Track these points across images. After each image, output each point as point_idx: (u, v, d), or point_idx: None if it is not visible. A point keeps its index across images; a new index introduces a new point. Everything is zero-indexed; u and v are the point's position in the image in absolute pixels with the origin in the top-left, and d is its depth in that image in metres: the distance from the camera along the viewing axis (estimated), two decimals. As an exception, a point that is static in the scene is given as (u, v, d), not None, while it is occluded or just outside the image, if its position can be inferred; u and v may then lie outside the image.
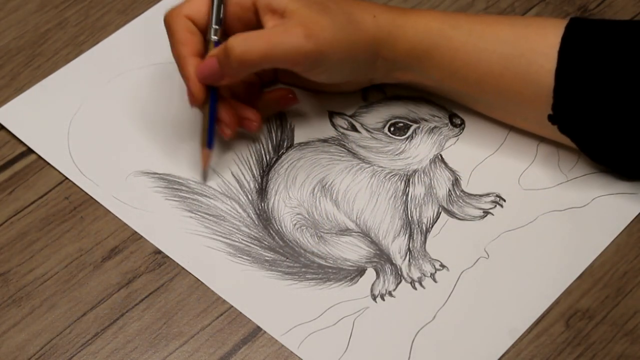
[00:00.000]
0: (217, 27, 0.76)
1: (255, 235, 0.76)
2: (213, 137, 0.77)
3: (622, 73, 0.72)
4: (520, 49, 0.75)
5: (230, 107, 0.77)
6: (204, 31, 0.76)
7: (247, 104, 0.79)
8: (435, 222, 0.76)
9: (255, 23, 0.76)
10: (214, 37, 0.76)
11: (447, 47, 0.76)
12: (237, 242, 0.75)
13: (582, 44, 0.73)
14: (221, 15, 0.76)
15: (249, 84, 0.80)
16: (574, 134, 0.75)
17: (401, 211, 0.77)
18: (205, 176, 0.78)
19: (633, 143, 0.74)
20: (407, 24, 0.76)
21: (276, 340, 0.71)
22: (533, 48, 0.74)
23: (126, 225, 0.76)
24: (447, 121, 0.81)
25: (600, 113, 0.73)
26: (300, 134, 0.81)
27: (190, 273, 0.74)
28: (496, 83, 0.76)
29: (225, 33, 0.77)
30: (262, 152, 0.80)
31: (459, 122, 0.81)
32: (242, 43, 0.73)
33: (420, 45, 0.76)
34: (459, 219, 0.76)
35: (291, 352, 0.70)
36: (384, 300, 0.73)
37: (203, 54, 0.76)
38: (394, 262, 0.74)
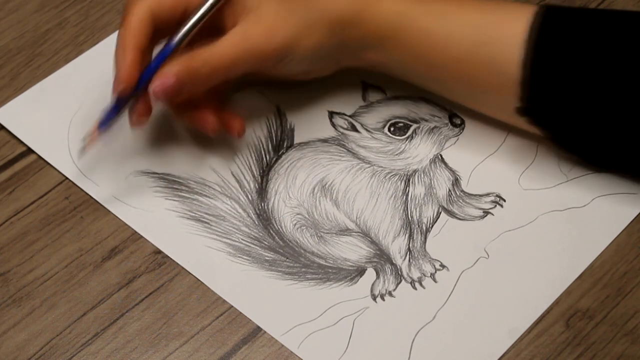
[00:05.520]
0: (184, 37, 0.73)
1: (255, 235, 0.76)
2: (109, 122, 0.74)
3: (590, 63, 0.71)
4: (487, 35, 0.74)
5: (146, 97, 0.74)
6: (158, 28, 0.74)
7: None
8: (435, 222, 0.76)
9: (213, 17, 0.74)
10: (178, 43, 0.73)
11: (413, 27, 0.75)
12: (237, 242, 0.75)
13: (550, 33, 0.72)
14: (193, 30, 0.74)
15: (211, 92, 0.78)
16: (545, 125, 0.75)
17: (401, 211, 0.77)
18: (81, 153, 0.76)
19: (605, 132, 0.73)
20: (371, 3, 0.75)
21: (276, 340, 0.71)
22: (500, 36, 0.74)
23: (126, 225, 0.76)
24: (447, 121, 0.81)
25: (571, 104, 0.72)
26: (300, 134, 0.81)
27: (190, 273, 0.74)
28: (462, 69, 0.75)
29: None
30: (262, 152, 0.80)
31: (459, 122, 0.81)
32: (206, 63, 0.72)
33: (386, 25, 0.75)
34: (459, 219, 0.76)
35: (291, 352, 0.70)
36: (384, 300, 0.73)
37: (146, 49, 0.74)
38: (394, 262, 0.74)
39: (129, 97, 0.74)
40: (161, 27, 0.75)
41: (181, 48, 0.74)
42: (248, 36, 0.72)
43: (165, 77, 0.72)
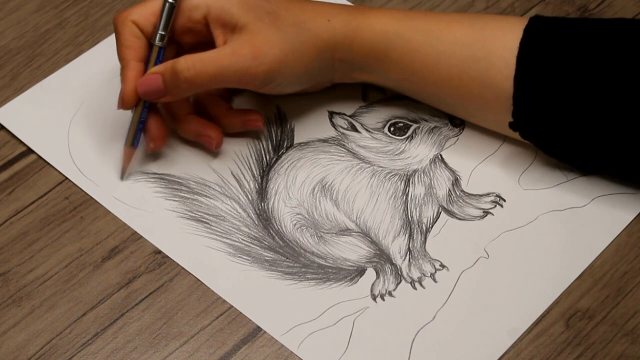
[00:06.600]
0: (163, 33, 0.75)
1: (255, 235, 0.76)
2: (139, 139, 0.77)
3: (581, 77, 0.71)
4: (479, 52, 0.74)
5: (160, 122, 0.77)
6: (150, 37, 0.76)
7: (213, 117, 0.79)
8: (435, 222, 0.76)
9: (205, 34, 0.76)
10: (158, 43, 0.75)
11: (404, 48, 0.75)
12: (237, 242, 0.75)
13: (540, 49, 0.72)
14: (170, 22, 0.75)
15: (216, 98, 0.80)
16: (536, 140, 0.75)
17: (401, 211, 0.77)
18: (124, 174, 0.78)
19: (593, 143, 0.73)
20: (363, 25, 0.76)
21: (276, 340, 0.71)
22: (491, 51, 0.74)
23: (126, 225, 0.76)
24: (447, 121, 0.81)
25: (560, 118, 0.73)
26: (300, 134, 0.81)
27: (190, 273, 0.74)
28: (455, 86, 0.75)
29: (177, 43, 0.77)
30: (262, 152, 0.80)
31: (459, 122, 0.81)
32: (192, 67, 0.73)
33: (377, 47, 0.76)
34: (459, 219, 0.76)
35: (291, 352, 0.70)
36: (384, 300, 0.73)
37: (145, 59, 0.76)
38: (394, 262, 0.74)
39: (148, 110, 0.76)
40: (152, 34, 0.76)
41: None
42: (237, 54, 0.73)
43: (150, 76, 0.74)
